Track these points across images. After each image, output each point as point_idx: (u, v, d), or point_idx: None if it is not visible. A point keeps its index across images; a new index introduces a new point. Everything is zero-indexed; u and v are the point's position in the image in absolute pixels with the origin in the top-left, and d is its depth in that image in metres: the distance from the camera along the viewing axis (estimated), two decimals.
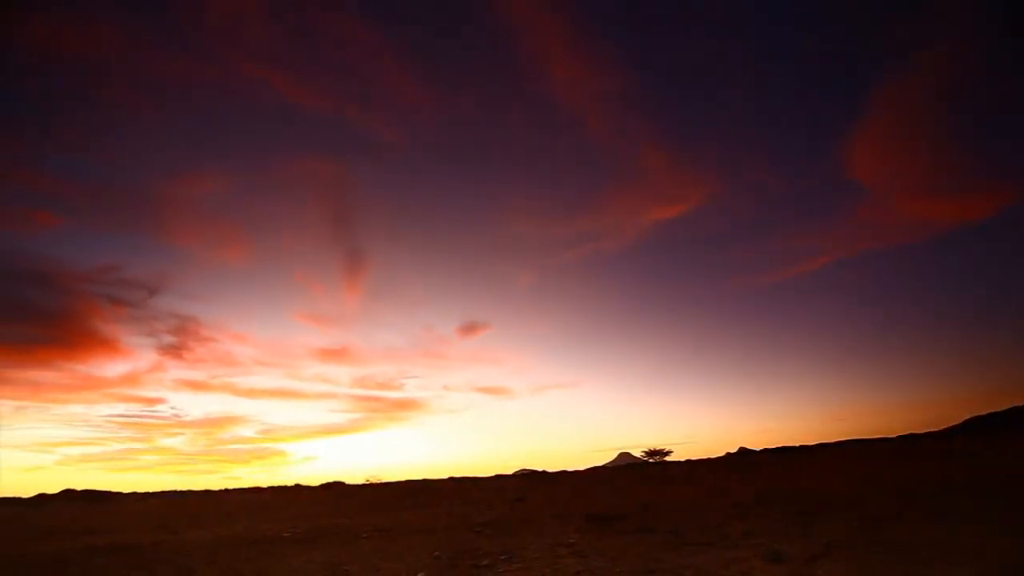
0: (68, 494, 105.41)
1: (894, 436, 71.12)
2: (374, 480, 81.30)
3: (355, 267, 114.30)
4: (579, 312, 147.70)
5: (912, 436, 66.39)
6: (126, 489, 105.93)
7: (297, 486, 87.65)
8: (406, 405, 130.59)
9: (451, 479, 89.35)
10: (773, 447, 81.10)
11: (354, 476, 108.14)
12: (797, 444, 79.98)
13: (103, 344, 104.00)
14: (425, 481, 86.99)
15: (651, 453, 77.47)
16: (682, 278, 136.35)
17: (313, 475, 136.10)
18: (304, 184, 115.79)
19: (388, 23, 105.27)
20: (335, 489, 71.82)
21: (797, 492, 18.32)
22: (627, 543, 10.96)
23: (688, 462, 73.24)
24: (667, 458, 76.16)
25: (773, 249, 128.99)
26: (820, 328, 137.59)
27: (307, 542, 14.17)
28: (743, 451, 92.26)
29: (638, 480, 34.72)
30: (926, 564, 7.94)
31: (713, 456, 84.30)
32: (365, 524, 17.93)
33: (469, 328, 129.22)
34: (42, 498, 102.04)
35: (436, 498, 31.20)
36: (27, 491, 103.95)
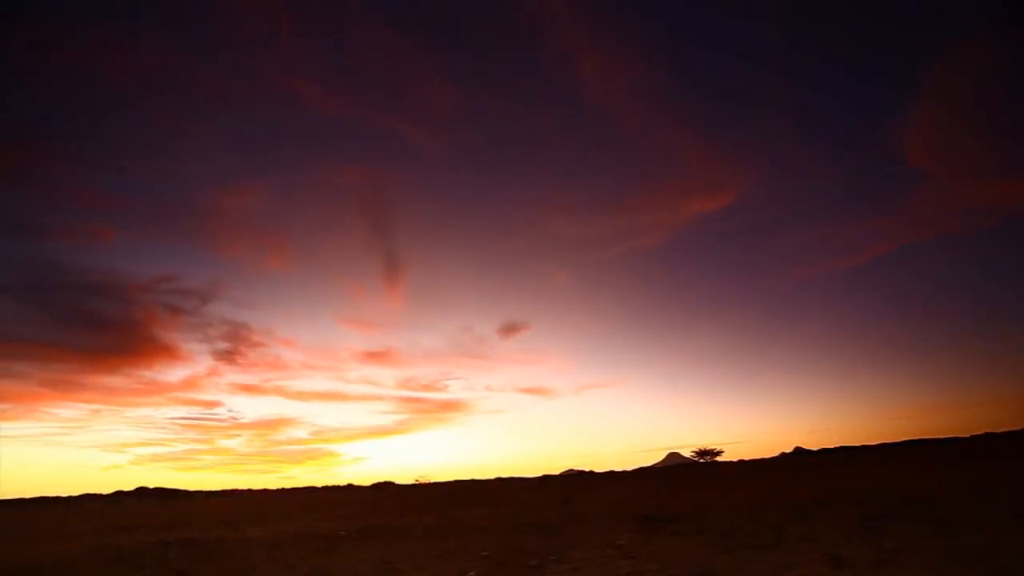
0: (141, 491, 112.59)
1: (967, 435, 66.44)
2: (423, 480, 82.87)
3: (394, 271, 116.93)
4: (620, 310, 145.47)
5: (988, 435, 61.74)
6: (192, 487, 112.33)
7: (349, 486, 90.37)
8: (450, 406, 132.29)
9: (498, 479, 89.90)
10: (832, 447, 77.38)
11: (403, 476, 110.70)
12: (858, 444, 76.04)
13: (164, 351, 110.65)
14: (472, 481, 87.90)
15: (701, 453, 75.55)
16: (726, 272, 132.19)
17: (364, 475, 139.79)
18: (343, 191, 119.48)
19: (416, 29, 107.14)
20: (386, 489, 73.57)
21: (859, 494, 17.44)
22: (679, 545, 10.73)
23: (740, 462, 70.96)
24: (718, 458, 74.09)
25: (823, 238, 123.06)
26: (879, 321, 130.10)
27: (360, 540, 14.58)
28: (799, 451, 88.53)
29: (688, 481, 33.91)
30: (1008, 575, 7.40)
31: (767, 456, 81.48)
32: (415, 523, 18.29)
33: (509, 329, 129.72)
34: (119, 495, 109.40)
35: (484, 498, 31.46)
36: (106, 488, 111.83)
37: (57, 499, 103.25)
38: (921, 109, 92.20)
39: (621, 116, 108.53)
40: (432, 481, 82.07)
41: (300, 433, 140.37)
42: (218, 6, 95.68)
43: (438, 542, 13.34)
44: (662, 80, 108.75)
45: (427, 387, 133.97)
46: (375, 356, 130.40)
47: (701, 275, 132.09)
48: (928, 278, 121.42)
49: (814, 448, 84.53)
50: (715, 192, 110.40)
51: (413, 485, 77.60)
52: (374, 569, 10.39)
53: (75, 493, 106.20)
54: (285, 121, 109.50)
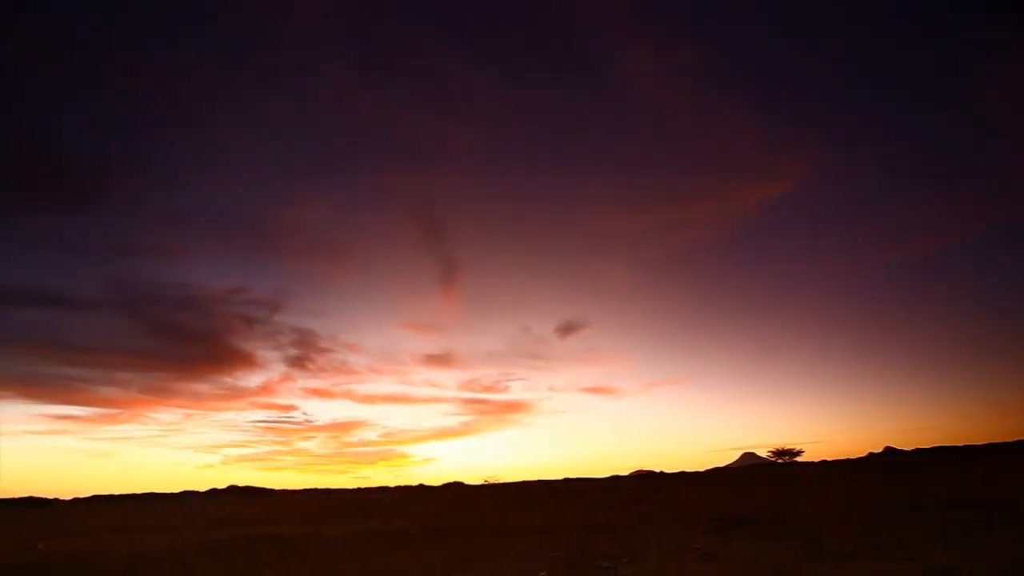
0: (232, 489, 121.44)
1: None
2: (492, 481, 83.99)
3: (450, 274, 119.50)
4: (681, 304, 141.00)
5: None
6: (276, 486, 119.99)
7: (421, 486, 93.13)
8: (513, 407, 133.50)
9: (566, 480, 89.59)
10: (928, 447, 71.13)
11: (472, 477, 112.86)
12: (959, 444, 69.41)
13: (242, 358, 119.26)
14: (540, 482, 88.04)
15: (779, 453, 71.69)
16: (795, 259, 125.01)
17: (434, 475, 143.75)
18: (397, 198, 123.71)
19: (458, 33, 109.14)
20: (455, 489, 75.12)
21: (964, 498, 15.91)
22: (759, 550, 10.21)
23: (822, 463, 66.84)
24: (797, 458, 70.05)
25: (903, 221, 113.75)
26: (978, 308, 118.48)
27: (433, 539, 14.94)
28: (889, 451, 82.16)
29: (766, 482, 32.28)
30: None
31: (853, 456, 76.13)
32: (485, 523, 18.53)
33: (567, 328, 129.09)
34: (214, 492, 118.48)
35: (552, 498, 31.41)
36: (202, 486, 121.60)
37: (162, 495, 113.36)
38: (998, 86, 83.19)
39: (670, 105, 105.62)
40: (501, 481, 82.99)
41: (370, 435, 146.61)
42: (265, 31, 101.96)
43: (508, 542, 13.43)
44: (711, 65, 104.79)
45: (489, 388, 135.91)
46: (436, 359, 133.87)
47: (767, 264, 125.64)
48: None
49: (907, 448, 78.14)
50: (776, 178, 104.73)
51: (482, 485, 78.80)
52: (447, 567, 10.60)
53: (176, 490, 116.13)
54: (337, 134, 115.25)
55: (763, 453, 79.39)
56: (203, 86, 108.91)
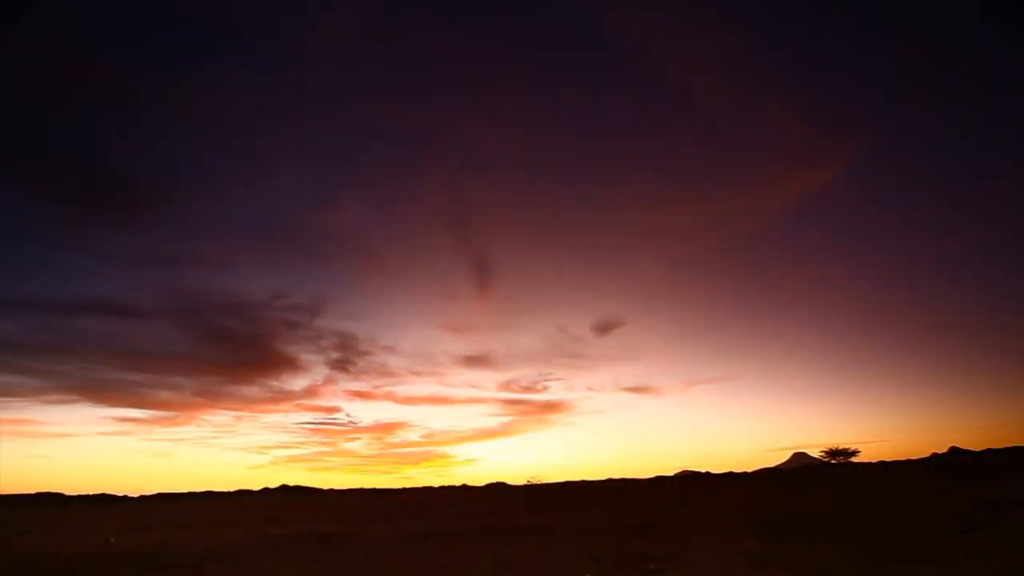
0: (283, 488, 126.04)
1: None
2: (535, 481, 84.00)
3: (485, 275, 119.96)
4: (722, 300, 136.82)
5: None
6: (324, 486, 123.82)
7: (464, 486, 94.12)
8: (553, 407, 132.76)
9: (609, 480, 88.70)
10: (999, 447, 66.58)
11: (515, 477, 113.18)
12: None
13: (287, 362, 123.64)
14: (583, 482, 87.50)
15: (833, 453, 68.68)
16: (843, 250, 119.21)
17: (476, 476, 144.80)
18: (431, 201, 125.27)
19: (484, 36, 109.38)
20: (498, 489, 75.55)
21: None
22: (814, 554, 9.85)
23: (880, 463, 63.74)
24: (852, 459, 66.98)
25: (961, 208, 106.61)
26: None
27: (477, 538, 15.10)
28: (955, 451, 77.44)
29: (819, 483, 31.05)
30: None
31: (914, 457, 72.16)
32: (529, 523, 18.57)
33: (604, 327, 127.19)
34: (266, 491, 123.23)
35: (596, 499, 31.19)
36: (256, 485, 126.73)
37: (220, 493, 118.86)
38: None
39: (705, 96, 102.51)
40: (543, 482, 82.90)
41: (412, 436, 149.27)
42: (298, 44, 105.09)
43: (553, 542, 13.43)
44: (747, 53, 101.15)
45: (528, 389, 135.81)
46: (474, 360, 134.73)
47: (813, 255, 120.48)
48: None
49: (975, 448, 73.48)
50: (819, 166, 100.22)
51: (525, 485, 78.95)
52: (492, 566, 10.70)
53: (232, 489, 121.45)
54: (372, 141, 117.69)
55: (815, 453, 76.28)
56: (242, 100, 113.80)
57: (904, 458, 70.36)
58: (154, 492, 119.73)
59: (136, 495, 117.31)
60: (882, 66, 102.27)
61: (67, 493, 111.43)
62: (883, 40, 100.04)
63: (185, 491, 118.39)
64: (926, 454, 78.43)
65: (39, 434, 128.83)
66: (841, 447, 68.38)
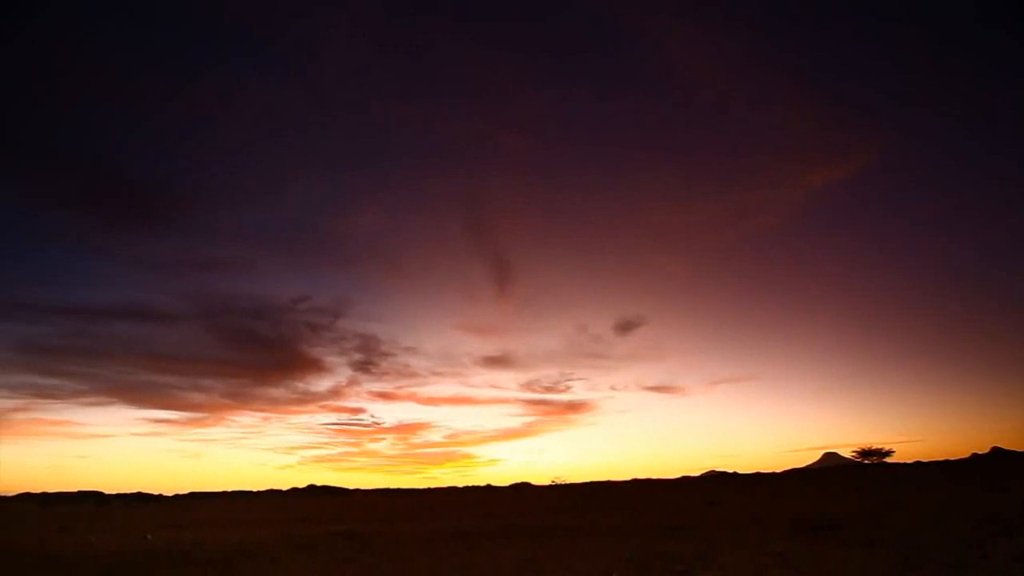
0: (311, 488, 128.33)
1: None
2: (560, 481, 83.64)
3: (505, 276, 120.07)
4: (745, 296, 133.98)
5: None
6: (350, 485, 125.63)
7: (488, 486, 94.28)
8: (576, 407, 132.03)
9: (635, 480, 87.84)
10: None
11: (539, 477, 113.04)
12: None
13: (311, 364, 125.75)
14: (609, 482, 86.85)
15: (865, 453, 66.74)
16: (871, 243, 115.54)
17: (500, 476, 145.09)
18: (449, 203, 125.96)
19: (497, 37, 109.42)
20: (523, 489, 75.51)
21: None
22: (848, 557, 9.57)
23: (917, 464, 61.72)
24: (886, 459, 64.97)
25: (1002, 194, 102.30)
26: None
27: (502, 539, 15.10)
28: (998, 452, 74.48)
29: (851, 484, 30.23)
30: None
31: (953, 458, 69.59)
32: (554, 523, 18.50)
33: (625, 326, 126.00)
34: (294, 491, 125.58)
35: (621, 499, 30.92)
36: (284, 485, 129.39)
37: (249, 492, 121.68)
38: None
39: (723, 89, 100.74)
40: (568, 482, 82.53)
41: (436, 436, 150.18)
42: (312, 51, 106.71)
43: (578, 543, 13.35)
44: (765, 44, 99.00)
45: (550, 389, 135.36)
46: (495, 361, 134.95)
47: (839, 249, 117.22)
48: None
49: (1019, 449, 70.55)
50: (843, 158, 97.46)
51: (550, 486, 78.74)
52: (517, 567, 10.68)
53: (261, 488, 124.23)
54: (389, 144, 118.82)
55: (847, 453, 74.21)
56: (262, 108, 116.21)
57: (943, 458, 67.91)
58: (187, 491, 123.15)
59: (170, 494, 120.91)
60: (900, 60, 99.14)
61: (106, 492, 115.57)
62: (901, 35, 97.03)
63: (217, 490, 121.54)
64: (966, 454, 75.66)
65: (78, 435, 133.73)
66: (874, 447, 66.41)
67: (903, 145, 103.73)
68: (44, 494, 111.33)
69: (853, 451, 69.00)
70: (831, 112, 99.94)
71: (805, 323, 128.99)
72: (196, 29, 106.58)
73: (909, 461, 65.62)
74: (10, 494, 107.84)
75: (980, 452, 76.86)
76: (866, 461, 66.09)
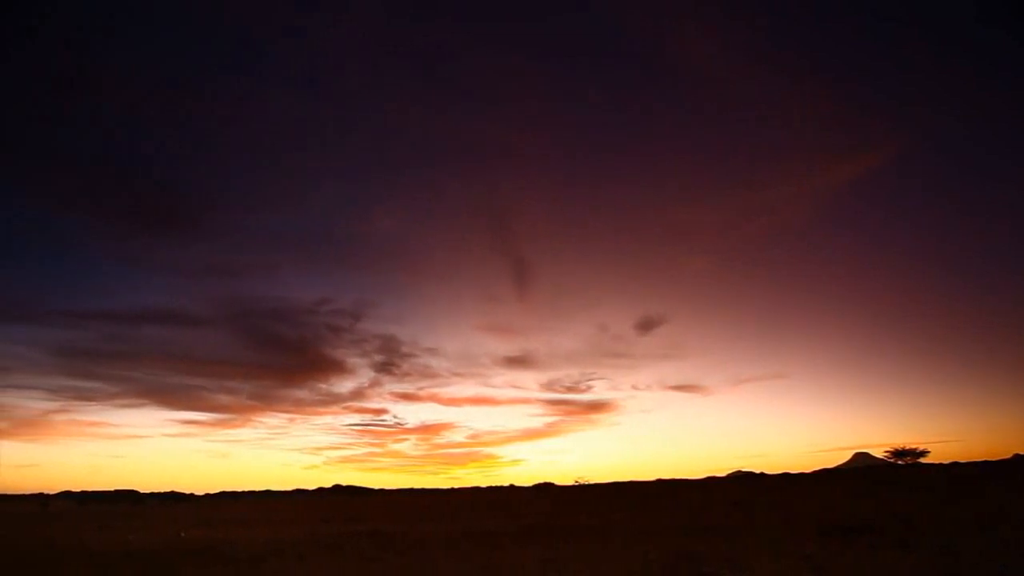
0: (336, 488, 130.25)
1: None
2: (583, 481, 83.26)
3: (524, 276, 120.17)
4: (769, 293, 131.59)
5: None
6: (374, 485, 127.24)
7: (511, 486, 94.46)
8: (597, 407, 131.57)
9: (659, 480, 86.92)
10: None
11: (562, 477, 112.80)
12: None
13: (334, 365, 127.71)
14: (632, 483, 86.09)
15: (898, 453, 64.84)
16: (897, 238, 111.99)
17: (523, 476, 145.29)
18: (467, 204, 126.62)
19: (512, 39, 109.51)
20: (546, 490, 75.38)
21: None
22: (881, 561, 9.31)
23: (953, 465, 59.82)
24: (921, 459, 62.99)
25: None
26: None
27: (524, 539, 15.09)
28: None
29: (884, 485, 29.41)
30: None
31: (992, 459, 67.22)
32: (577, 524, 18.42)
33: (646, 325, 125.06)
34: (320, 491, 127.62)
35: (646, 499, 30.63)
36: (310, 484, 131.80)
37: (277, 492, 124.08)
38: None
39: (743, 85, 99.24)
40: (592, 482, 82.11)
41: (458, 437, 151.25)
42: (331, 58, 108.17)
43: (602, 544, 13.26)
44: (785, 37, 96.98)
45: (571, 389, 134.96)
46: (516, 361, 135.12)
47: (864, 245, 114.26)
48: None
49: None
50: (868, 151, 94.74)
51: (573, 486, 78.42)
52: (540, 567, 10.66)
53: (288, 488, 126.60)
54: (408, 148, 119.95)
55: (879, 453, 72.20)
56: (282, 114, 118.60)
57: (981, 459, 65.62)
58: (217, 491, 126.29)
59: (201, 493, 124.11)
60: (929, 45, 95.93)
61: (140, 490, 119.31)
62: (930, 19, 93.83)
63: (245, 490, 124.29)
64: (1007, 455, 72.97)
65: (113, 435, 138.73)
66: (908, 447, 64.48)
67: (938, 137, 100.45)
68: (83, 492, 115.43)
69: (885, 451, 67.11)
70: (855, 104, 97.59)
71: (834, 320, 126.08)
72: (225, 38, 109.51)
73: (946, 462, 63.65)
74: (52, 491, 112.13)
75: (1022, 452, 74.00)
76: (899, 462, 64.19)
